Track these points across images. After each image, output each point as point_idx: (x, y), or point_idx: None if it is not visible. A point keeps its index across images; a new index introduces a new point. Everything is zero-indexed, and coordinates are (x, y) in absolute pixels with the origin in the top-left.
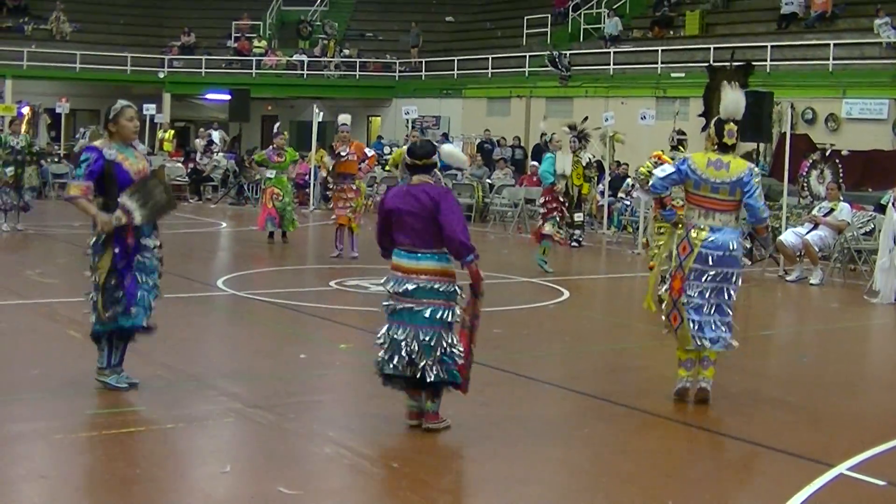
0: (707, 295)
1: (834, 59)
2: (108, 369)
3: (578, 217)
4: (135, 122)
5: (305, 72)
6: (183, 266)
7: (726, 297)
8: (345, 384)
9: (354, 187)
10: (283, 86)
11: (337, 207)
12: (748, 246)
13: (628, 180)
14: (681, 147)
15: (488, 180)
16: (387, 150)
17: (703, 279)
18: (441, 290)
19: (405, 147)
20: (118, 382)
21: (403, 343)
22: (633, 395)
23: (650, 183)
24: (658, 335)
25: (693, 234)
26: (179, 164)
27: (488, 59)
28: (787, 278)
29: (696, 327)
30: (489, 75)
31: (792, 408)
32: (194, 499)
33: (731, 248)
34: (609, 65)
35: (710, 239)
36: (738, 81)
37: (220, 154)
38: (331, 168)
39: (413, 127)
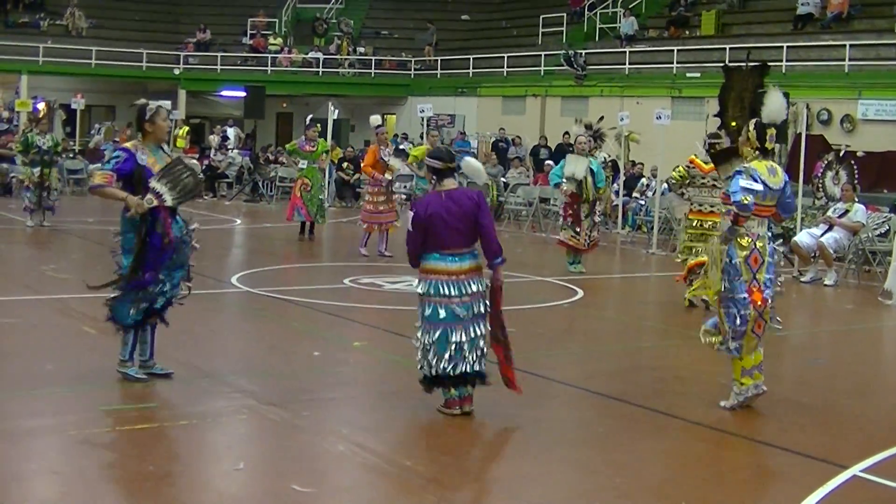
0: (771, 303)
1: (850, 59)
2: (130, 360)
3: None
4: (168, 122)
5: (321, 69)
6: (197, 263)
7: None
8: (358, 382)
9: (392, 190)
10: (299, 83)
11: (376, 212)
12: None
13: (643, 180)
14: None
15: (503, 179)
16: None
17: (769, 287)
18: (482, 285)
19: (426, 145)
20: (138, 373)
21: (465, 343)
22: (647, 395)
23: (746, 202)
24: (673, 334)
25: (759, 245)
26: (195, 161)
27: (504, 57)
28: (802, 279)
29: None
30: (504, 74)
31: (806, 409)
32: (208, 496)
33: (774, 253)
34: (624, 64)
35: (770, 248)
36: (754, 82)
37: (235, 151)
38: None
39: (430, 125)
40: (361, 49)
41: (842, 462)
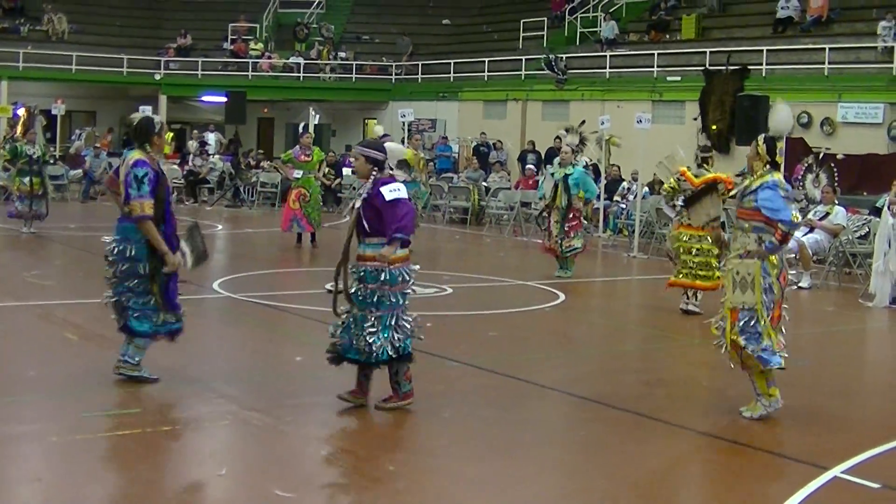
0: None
1: (829, 63)
2: (139, 365)
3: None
4: None
5: (302, 74)
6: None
7: None
8: (341, 387)
9: None
10: (280, 88)
11: None
12: None
13: (624, 184)
14: (706, 164)
15: (484, 183)
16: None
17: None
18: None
19: (409, 149)
20: (150, 374)
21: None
22: (630, 398)
23: (797, 220)
24: (655, 338)
25: (783, 261)
26: (175, 167)
27: (485, 62)
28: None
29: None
30: (485, 78)
31: (788, 411)
32: (190, 501)
33: None
34: (605, 68)
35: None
36: (734, 85)
37: (217, 156)
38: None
39: (411, 129)
40: (342, 54)
41: (823, 463)
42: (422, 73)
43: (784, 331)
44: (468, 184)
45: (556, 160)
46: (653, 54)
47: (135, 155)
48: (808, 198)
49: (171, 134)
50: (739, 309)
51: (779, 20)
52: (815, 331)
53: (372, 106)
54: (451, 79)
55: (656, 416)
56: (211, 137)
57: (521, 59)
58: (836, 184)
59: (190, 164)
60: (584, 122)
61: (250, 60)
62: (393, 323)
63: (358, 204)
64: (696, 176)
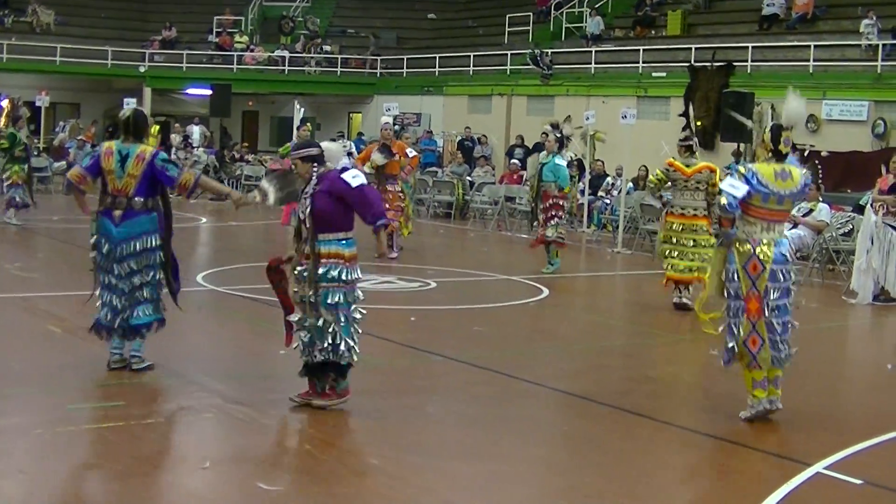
0: (779, 313)
1: (814, 60)
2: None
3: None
4: None
5: (287, 68)
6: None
7: (788, 312)
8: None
9: (398, 189)
10: (265, 81)
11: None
12: None
13: (608, 179)
14: (690, 153)
15: (468, 178)
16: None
17: (777, 297)
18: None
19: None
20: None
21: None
22: (615, 394)
23: (723, 203)
24: (640, 333)
25: (760, 250)
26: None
27: (470, 56)
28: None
29: (773, 347)
30: (471, 73)
31: None
32: (174, 494)
33: (787, 258)
34: (590, 64)
35: (776, 255)
36: (719, 82)
37: (201, 149)
38: (380, 165)
39: (395, 124)
40: (327, 47)
41: (805, 460)
42: (407, 68)
43: (770, 333)
44: (452, 178)
45: (531, 159)
46: (638, 50)
47: (145, 148)
48: None
49: (157, 126)
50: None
51: (764, 17)
52: (799, 327)
53: (357, 100)
54: (437, 73)
55: (641, 412)
56: (195, 130)
57: (507, 54)
58: (820, 181)
59: (173, 157)
60: (569, 116)
61: (235, 53)
62: (352, 320)
63: (304, 208)
64: (686, 166)
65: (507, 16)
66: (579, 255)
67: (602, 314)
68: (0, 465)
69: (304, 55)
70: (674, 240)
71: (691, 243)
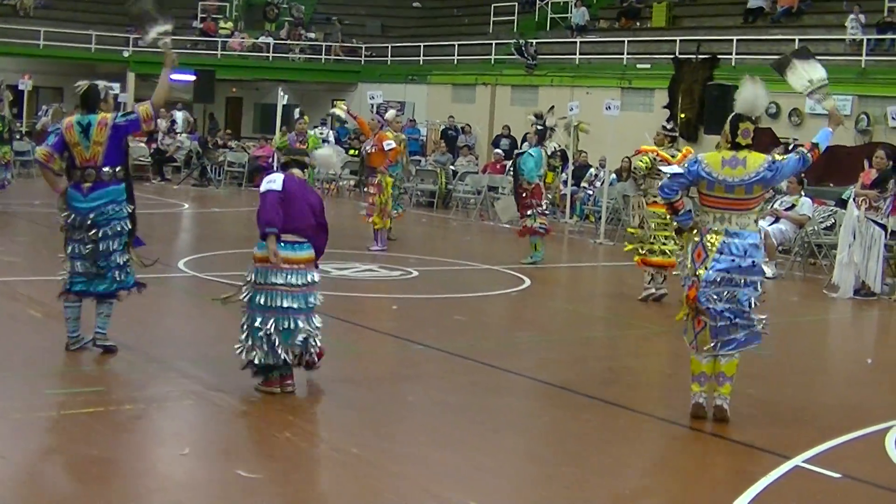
0: (723, 304)
1: None
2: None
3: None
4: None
5: (271, 54)
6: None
7: (746, 307)
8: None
9: (376, 182)
10: (249, 68)
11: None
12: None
13: (591, 170)
14: (675, 143)
15: (451, 167)
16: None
17: (719, 287)
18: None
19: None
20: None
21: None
22: (595, 384)
23: (659, 186)
24: (621, 324)
25: (707, 239)
26: (142, 145)
27: (454, 45)
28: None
29: (713, 335)
30: (455, 62)
31: (750, 400)
32: (153, 480)
33: (748, 253)
34: (575, 54)
35: (726, 244)
36: (704, 74)
37: (184, 135)
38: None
39: (377, 111)
40: (312, 35)
41: (784, 452)
42: (391, 56)
43: (712, 319)
44: (436, 167)
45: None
46: (623, 41)
47: (104, 115)
48: (774, 188)
49: None
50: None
51: (749, 10)
52: (779, 321)
53: (341, 87)
54: (421, 62)
55: (621, 402)
56: (179, 116)
57: (492, 44)
58: (802, 175)
59: (159, 142)
60: (552, 107)
61: (220, 39)
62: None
63: None
64: (671, 156)
65: (493, 5)
66: (562, 245)
67: (583, 305)
68: None
69: (288, 42)
70: (664, 226)
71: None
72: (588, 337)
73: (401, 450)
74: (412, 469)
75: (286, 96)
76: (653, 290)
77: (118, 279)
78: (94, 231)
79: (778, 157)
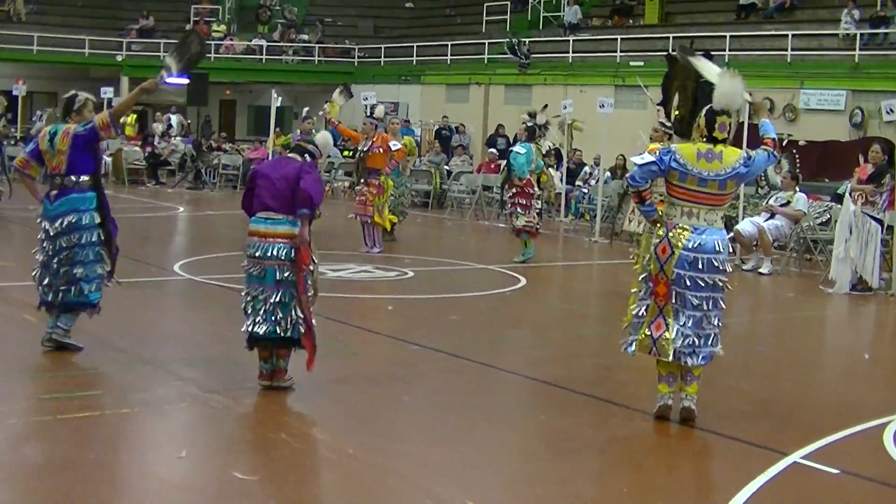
0: (692, 304)
1: (792, 49)
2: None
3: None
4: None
5: (264, 56)
6: (139, 250)
7: (712, 306)
8: (301, 370)
9: (377, 182)
10: (242, 70)
11: (357, 202)
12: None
13: (586, 168)
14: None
15: (446, 167)
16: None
17: (688, 286)
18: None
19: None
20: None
21: (264, 302)
22: (589, 382)
23: (628, 174)
24: (615, 322)
25: (673, 234)
26: (137, 148)
27: (447, 45)
28: (744, 267)
29: (680, 339)
30: (448, 62)
31: (747, 397)
32: (150, 483)
33: (716, 249)
34: (568, 53)
35: (692, 241)
36: (697, 71)
37: (178, 138)
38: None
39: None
40: (304, 36)
41: (782, 449)
42: (384, 56)
43: (676, 320)
44: (430, 167)
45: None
46: (616, 39)
47: (70, 125)
48: (769, 184)
49: (135, 115)
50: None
51: (742, 6)
52: (775, 317)
53: (334, 88)
54: (414, 62)
55: (615, 400)
56: (173, 119)
57: (485, 43)
58: (797, 170)
59: (155, 145)
60: (546, 105)
61: (213, 42)
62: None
63: None
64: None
65: (485, 4)
66: (557, 244)
67: (578, 303)
68: None
69: (281, 44)
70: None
71: None
72: (582, 335)
73: (397, 449)
74: (408, 468)
75: (280, 98)
76: None
77: (81, 292)
78: (57, 240)
79: (751, 153)
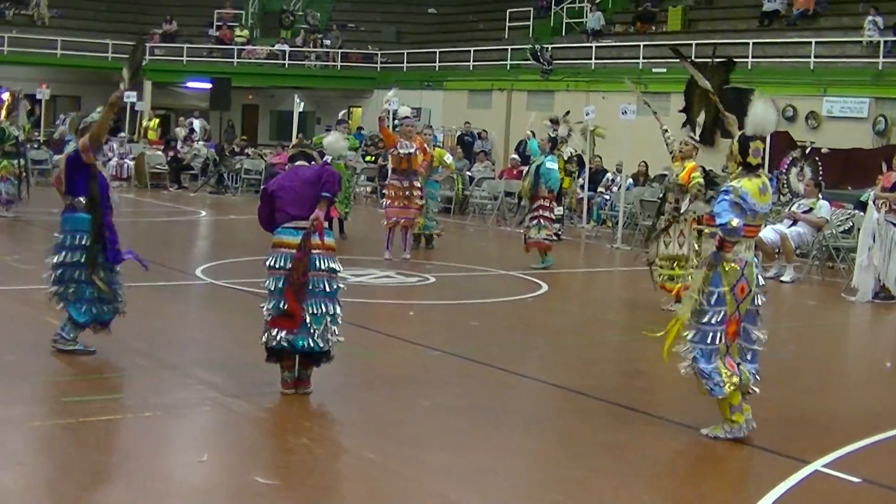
0: (753, 339)
1: (815, 57)
2: (73, 340)
3: (557, 211)
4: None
5: (287, 61)
6: (162, 254)
7: (752, 334)
8: (321, 374)
9: (419, 185)
10: (265, 75)
11: (392, 206)
12: None
13: (608, 174)
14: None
15: (468, 173)
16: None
17: (754, 322)
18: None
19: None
20: (86, 347)
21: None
22: (609, 389)
23: (734, 225)
24: (635, 329)
25: (747, 272)
26: (160, 152)
27: (470, 51)
28: (766, 275)
29: (752, 376)
30: (471, 68)
31: (768, 404)
32: (171, 487)
33: (763, 282)
34: (591, 59)
35: (759, 278)
36: (720, 78)
37: (201, 142)
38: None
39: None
40: (327, 42)
41: (804, 457)
42: (407, 62)
43: (747, 356)
44: (452, 173)
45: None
46: (638, 45)
47: (72, 144)
48: (792, 191)
49: (157, 120)
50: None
51: (765, 13)
52: (798, 325)
53: (356, 94)
54: (437, 68)
55: (635, 407)
56: (196, 124)
57: (507, 49)
58: (820, 178)
59: (178, 150)
60: (568, 112)
61: (235, 47)
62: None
63: None
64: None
65: (508, 10)
66: (578, 250)
67: (599, 310)
68: None
69: (304, 49)
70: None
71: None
72: (603, 341)
73: (416, 454)
74: (427, 473)
75: (302, 103)
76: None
77: (69, 309)
78: (59, 252)
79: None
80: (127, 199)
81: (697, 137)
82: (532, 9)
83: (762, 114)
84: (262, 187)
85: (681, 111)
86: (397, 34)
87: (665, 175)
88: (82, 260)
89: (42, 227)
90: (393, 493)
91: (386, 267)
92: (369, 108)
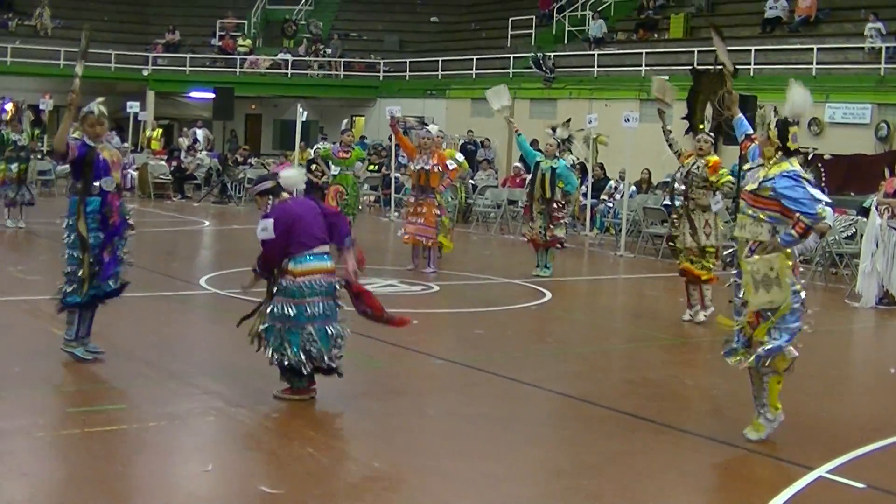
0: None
1: (817, 63)
2: (76, 341)
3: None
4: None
5: (290, 71)
6: (166, 264)
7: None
8: (325, 383)
9: (435, 202)
10: (268, 84)
11: (408, 223)
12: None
13: (611, 182)
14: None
15: (471, 181)
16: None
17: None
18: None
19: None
20: (84, 354)
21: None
22: (615, 397)
23: (822, 216)
24: (640, 337)
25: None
26: (163, 162)
27: (473, 59)
28: None
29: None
30: (473, 76)
31: None
32: (176, 497)
33: None
34: (593, 67)
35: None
36: (722, 85)
37: (204, 152)
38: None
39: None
40: (329, 51)
41: (808, 463)
42: (410, 71)
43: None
44: (455, 181)
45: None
46: (640, 53)
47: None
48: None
49: (161, 130)
50: (766, 310)
51: (767, 20)
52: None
53: (359, 103)
54: (439, 76)
55: (641, 414)
56: (199, 134)
57: (509, 58)
58: (823, 184)
59: (182, 160)
60: (569, 119)
61: (238, 57)
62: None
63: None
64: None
65: (510, 19)
66: (582, 258)
67: (603, 317)
68: (2, 467)
69: (306, 58)
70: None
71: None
72: (608, 349)
73: (421, 463)
74: (433, 482)
75: (305, 112)
76: (702, 318)
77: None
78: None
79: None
80: (130, 210)
81: (713, 135)
82: (534, 17)
83: (800, 99)
84: (264, 239)
85: (683, 118)
86: (400, 43)
87: (667, 182)
88: (71, 241)
89: (47, 238)
90: (399, 502)
91: (389, 275)
92: (372, 118)
